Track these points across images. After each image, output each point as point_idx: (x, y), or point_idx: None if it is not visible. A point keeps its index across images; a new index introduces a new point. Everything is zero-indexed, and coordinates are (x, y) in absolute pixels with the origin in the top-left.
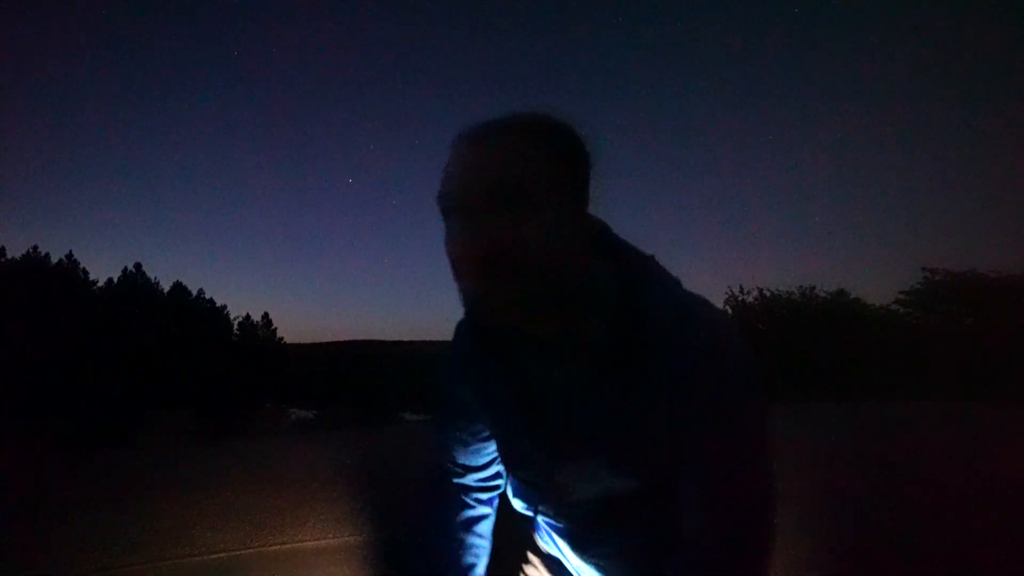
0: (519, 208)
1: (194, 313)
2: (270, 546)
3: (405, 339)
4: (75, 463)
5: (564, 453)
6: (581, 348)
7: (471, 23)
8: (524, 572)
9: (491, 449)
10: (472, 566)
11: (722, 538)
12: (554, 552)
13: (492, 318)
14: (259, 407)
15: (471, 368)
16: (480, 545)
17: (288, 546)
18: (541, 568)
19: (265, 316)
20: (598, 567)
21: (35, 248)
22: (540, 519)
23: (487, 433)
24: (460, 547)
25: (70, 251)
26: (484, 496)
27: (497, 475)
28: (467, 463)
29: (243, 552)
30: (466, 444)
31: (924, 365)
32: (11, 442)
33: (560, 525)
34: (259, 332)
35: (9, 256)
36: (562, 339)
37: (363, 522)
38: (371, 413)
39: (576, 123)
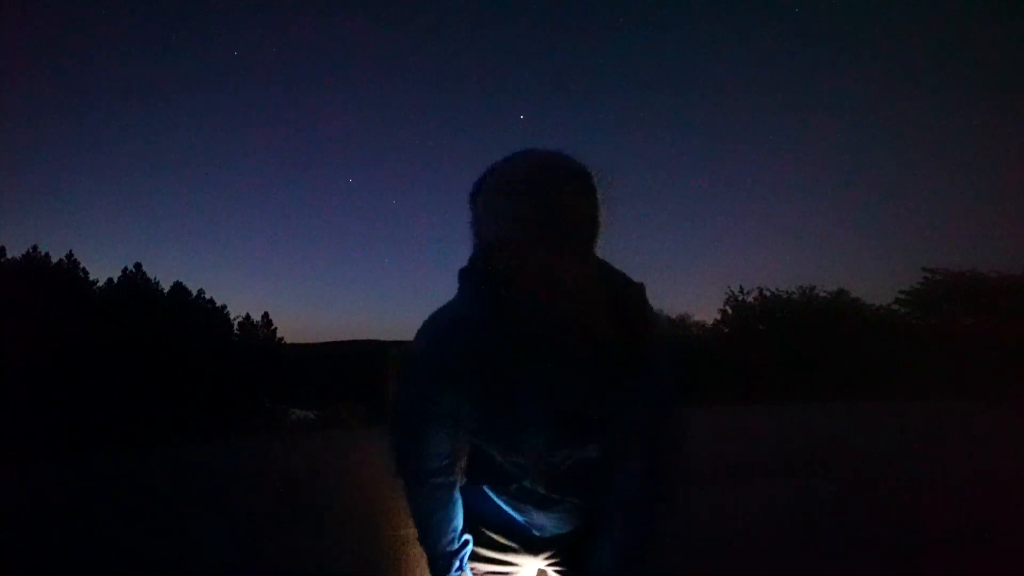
0: (592, 241)
1: (194, 313)
2: (272, 546)
3: (405, 339)
4: (74, 463)
5: (564, 438)
6: (594, 355)
7: (473, 22)
8: (483, 531)
9: (456, 435)
10: (461, 537)
11: (653, 475)
12: (506, 513)
13: (555, 331)
14: (259, 407)
15: (467, 365)
16: (459, 517)
17: (290, 546)
18: (494, 530)
19: (265, 316)
20: (556, 519)
21: (35, 248)
22: (489, 488)
23: (457, 422)
24: (449, 526)
25: (70, 251)
26: (452, 476)
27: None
28: (441, 449)
29: (243, 552)
30: (447, 431)
31: (924, 365)
32: (10, 442)
33: (533, 492)
34: (259, 332)
35: (9, 256)
36: (582, 348)
37: (364, 522)
38: (371, 413)
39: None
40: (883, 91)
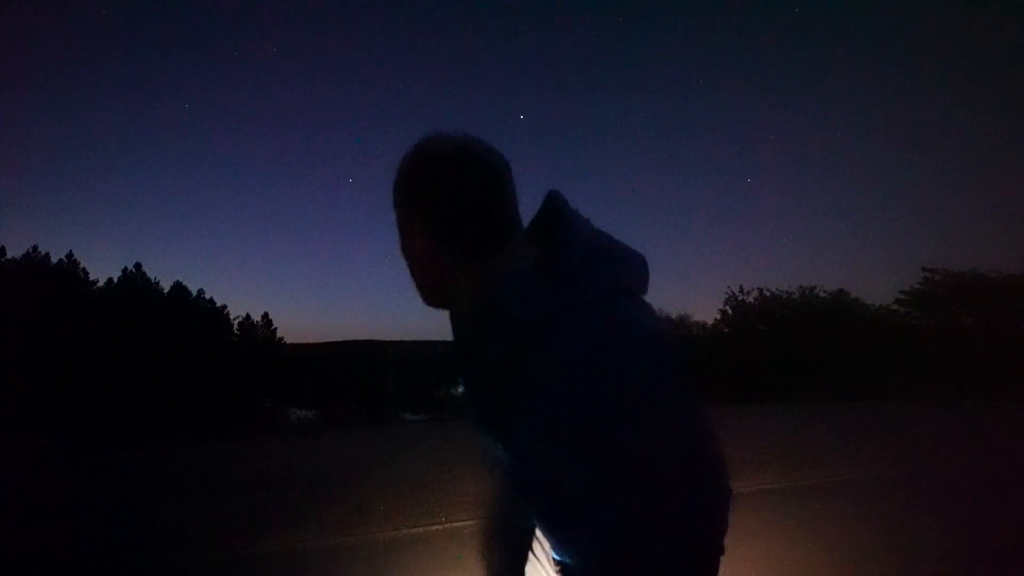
0: (408, 220)
1: (194, 313)
2: (272, 546)
3: (405, 339)
4: (75, 464)
5: (476, 424)
6: (483, 340)
7: (475, 23)
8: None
9: None
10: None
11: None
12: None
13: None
14: (259, 407)
15: None
16: None
17: (290, 546)
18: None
19: (265, 316)
20: (553, 544)
21: (35, 248)
22: None
23: None
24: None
25: (70, 251)
26: None
27: None
28: None
29: (243, 552)
30: None
31: (924, 365)
32: (10, 443)
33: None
34: (259, 332)
35: (9, 256)
36: (471, 332)
37: (363, 522)
38: (371, 413)
39: (476, 147)
40: (883, 90)
